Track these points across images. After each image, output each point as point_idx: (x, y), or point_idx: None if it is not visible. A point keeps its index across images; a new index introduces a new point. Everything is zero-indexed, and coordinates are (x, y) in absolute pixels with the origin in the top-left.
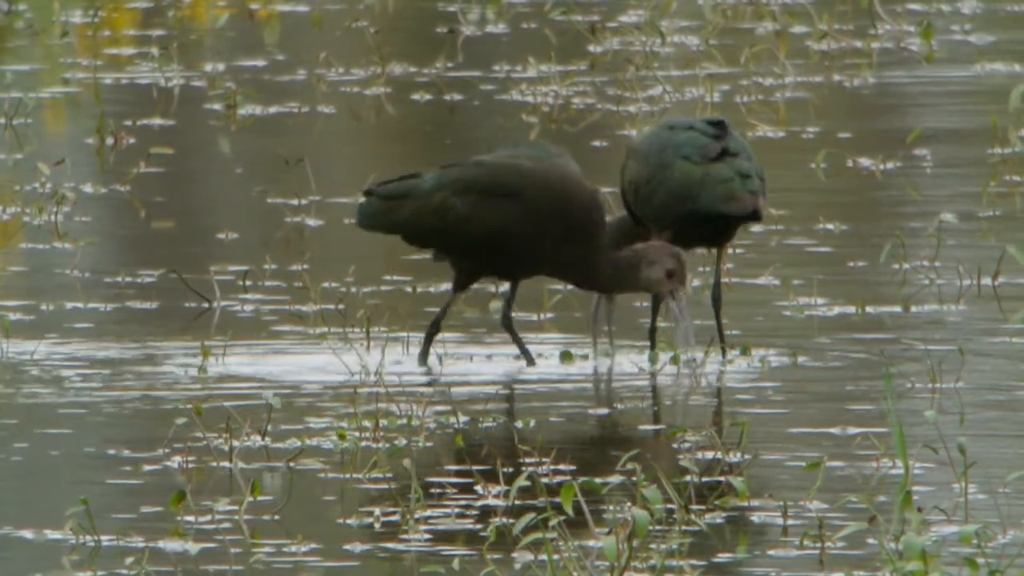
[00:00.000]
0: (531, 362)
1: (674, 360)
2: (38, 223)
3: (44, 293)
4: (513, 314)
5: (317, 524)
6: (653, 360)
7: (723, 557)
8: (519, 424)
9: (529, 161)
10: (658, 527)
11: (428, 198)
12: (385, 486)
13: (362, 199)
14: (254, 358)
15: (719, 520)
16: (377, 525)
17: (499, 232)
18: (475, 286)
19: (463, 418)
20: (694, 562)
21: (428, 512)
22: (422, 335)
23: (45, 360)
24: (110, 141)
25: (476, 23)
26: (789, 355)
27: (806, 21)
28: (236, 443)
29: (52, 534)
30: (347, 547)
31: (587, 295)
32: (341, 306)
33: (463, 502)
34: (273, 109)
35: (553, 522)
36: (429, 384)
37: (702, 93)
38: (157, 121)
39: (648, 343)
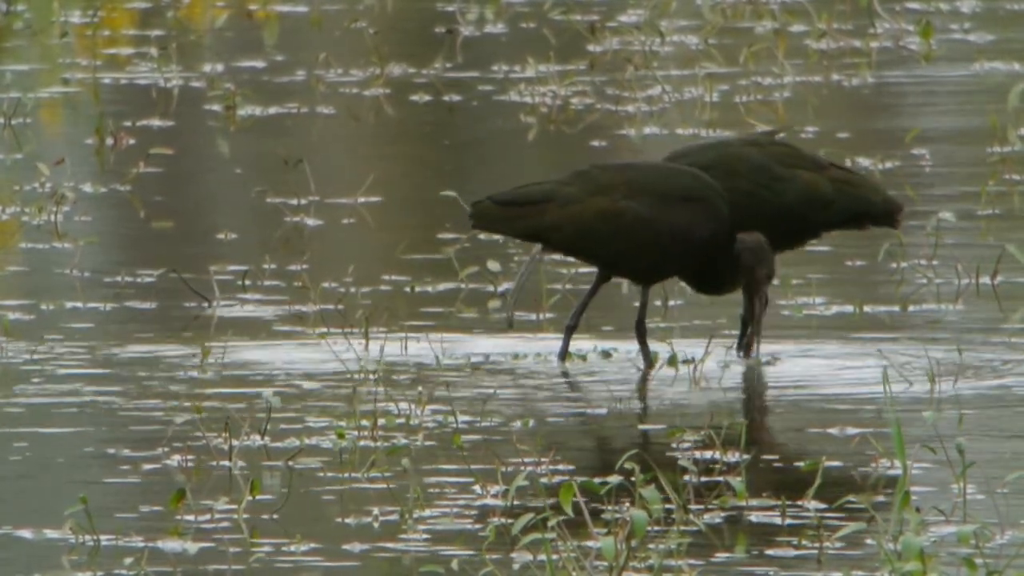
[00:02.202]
0: (651, 365)
1: (672, 360)
2: (38, 223)
3: (44, 293)
4: (516, 314)
5: (316, 523)
6: (652, 360)
7: (721, 557)
8: (518, 424)
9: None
10: (657, 527)
11: (585, 202)
12: (384, 486)
13: (478, 205)
14: (253, 357)
15: (717, 520)
16: (376, 525)
17: (684, 234)
18: (473, 286)
19: (462, 418)
20: (692, 562)
21: (427, 512)
22: (420, 335)
23: (45, 360)
24: (110, 141)
25: (475, 23)
26: (783, 358)
27: (805, 20)
28: (235, 442)
29: (51, 534)
30: (346, 547)
31: (581, 296)
32: (340, 306)
33: (462, 502)
34: (272, 110)
35: (552, 522)
36: (428, 384)
37: (701, 93)
38: (156, 122)
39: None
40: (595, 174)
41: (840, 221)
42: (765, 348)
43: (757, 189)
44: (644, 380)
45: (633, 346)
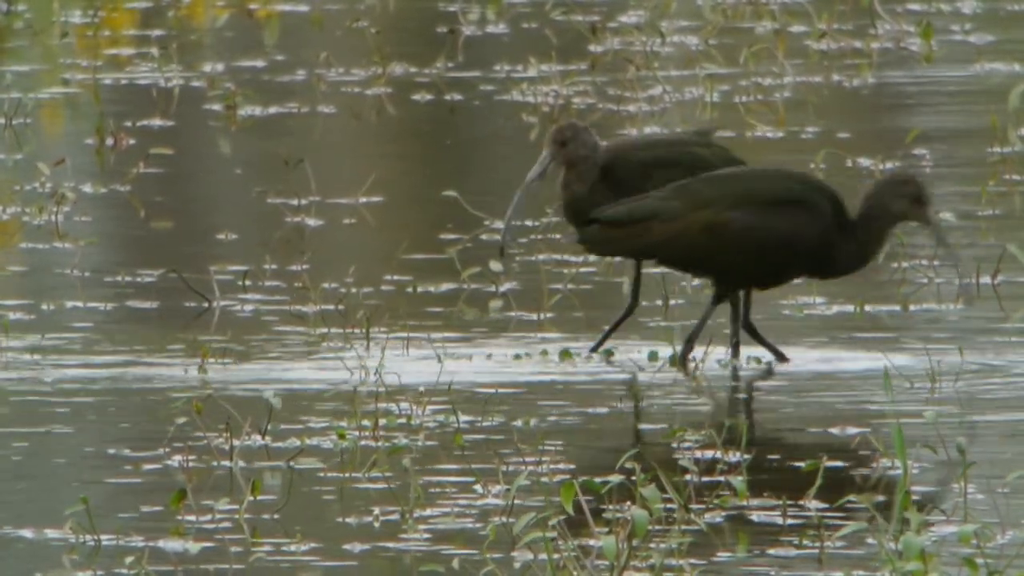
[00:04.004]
0: (782, 358)
1: (673, 360)
2: (38, 223)
3: (44, 293)
4: (515, 313)
5: (317, 523)
6: (653, 359)
7: (722, 556)
8: (519, 424)
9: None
10: (658, 527)
11: (689, 218)
12: (385, 486)
13: (585, 230)
14: (254, 358)
15: (719, 520)
16: (377, 525)
17: (791, 239)
18: (475, 286)
19: (463, 418)
20: (693, 561)
21: (428, 512)
22: (422, 335)
23: (45, 360)
24: (110, 141)
25: (476, 23)
26: (781, 357)
27: (805, 20)
28: (236, 442)
29: (52, 534)
30: (346, 546)
31: (582, 296)
32: (341, 306)
33: (463, 502)
34: (273, 109)
35: (553, 521)
36: (428, 383)
37: (702, 93)
38: (157, 122)
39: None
40: (696, 187)
41: None
42: (764, 350)
43: None
44: (644, 380)
45: (633, 345)
